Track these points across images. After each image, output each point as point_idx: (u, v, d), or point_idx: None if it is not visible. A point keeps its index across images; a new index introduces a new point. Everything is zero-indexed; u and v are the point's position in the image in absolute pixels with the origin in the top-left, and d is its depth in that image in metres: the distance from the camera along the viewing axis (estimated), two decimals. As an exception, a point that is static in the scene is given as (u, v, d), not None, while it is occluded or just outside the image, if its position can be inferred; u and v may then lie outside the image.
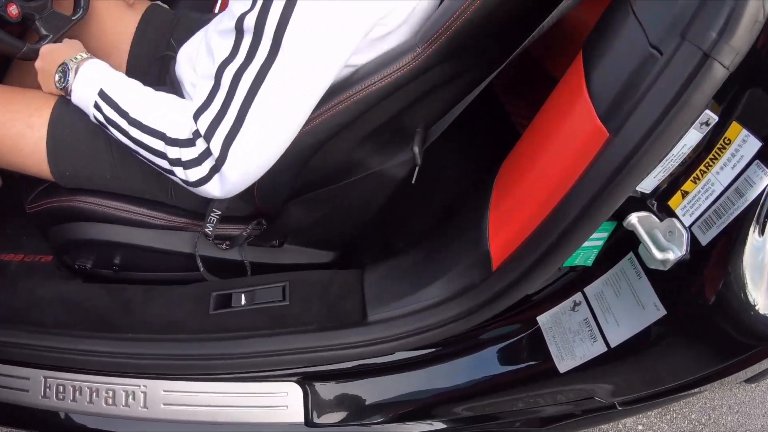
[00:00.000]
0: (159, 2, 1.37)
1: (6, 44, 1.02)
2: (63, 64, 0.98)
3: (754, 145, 0.60)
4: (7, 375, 1.00)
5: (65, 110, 1.03)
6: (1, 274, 1.30)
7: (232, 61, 0.76)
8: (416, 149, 0.82)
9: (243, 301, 0.93)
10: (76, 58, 0.97)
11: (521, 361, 0.88)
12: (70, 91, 0.96)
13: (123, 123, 0.89)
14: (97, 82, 0.94)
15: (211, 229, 0.95)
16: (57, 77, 0.98)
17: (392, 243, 1.21)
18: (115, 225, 1.05)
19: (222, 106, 0.78)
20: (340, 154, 0.88)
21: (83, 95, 0.95)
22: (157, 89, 0.97)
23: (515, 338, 0.87)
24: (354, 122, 0.82)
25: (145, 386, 0.94)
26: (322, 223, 1.03)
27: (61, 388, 0.97)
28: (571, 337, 0.79)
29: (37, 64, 1.03)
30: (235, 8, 0.76)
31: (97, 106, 0.92)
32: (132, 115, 0.89)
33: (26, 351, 0.98)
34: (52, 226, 1.13)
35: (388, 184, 0.96)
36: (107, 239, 1.06)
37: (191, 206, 1.00)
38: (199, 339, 0.90)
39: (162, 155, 0.86)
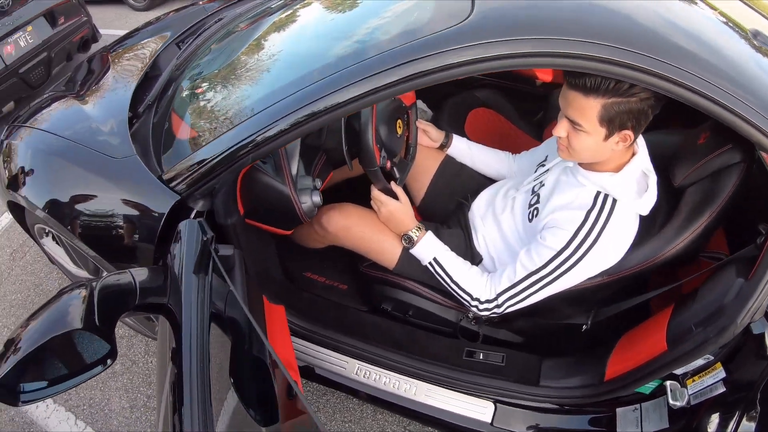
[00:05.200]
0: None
1: (385, 188, 1.89)
2: (407, 234, 1.91)
3: (720, 374, 1.63)
4: (335, 359, 2.12)
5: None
6: (312, 287, 2.41)
7: (538, 272, 1.64)
8: (589, 322, 1.94)
9: (481, 357, 2.06)
10: (416, 233, 1.90)
11: (603, 426, 1.86)
12: (412, 250, 1.93)
13: (447, 278, 1.86)
14: (432, 252, 1.88)
15: (471, 315, 2.10)
16: (404, 240, 1.93)
17: (558, 344, 2.14)
18: (419, 297, 2.15)
19: (518, 292, 1.71)
20: (550, 304, 1.84)
21: (421, 256, 1.91)
22: (452, 228, 2.08)
23: (604, 414, 1.87)
24: (561, 296, 1.79)
25: (416, 384, 2.06)
26: (528, 328, 2.14)
27: (368, 373, 2.10)
28: (627, 423, 1.82)
29: (384, 217, 1.92)
30: (553, 242, 1.62)
31: (431, 264, 1.88)
32: (454, 278, 1.84)
33: (348, 348, 2.10)
34: (377, 284, 2.22)
35: (568, 323, 2.05)
36: (410, 302, 2.17)
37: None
38: (454, 369, 2.03)
39: (465, 300, 1.84)
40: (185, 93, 2.10)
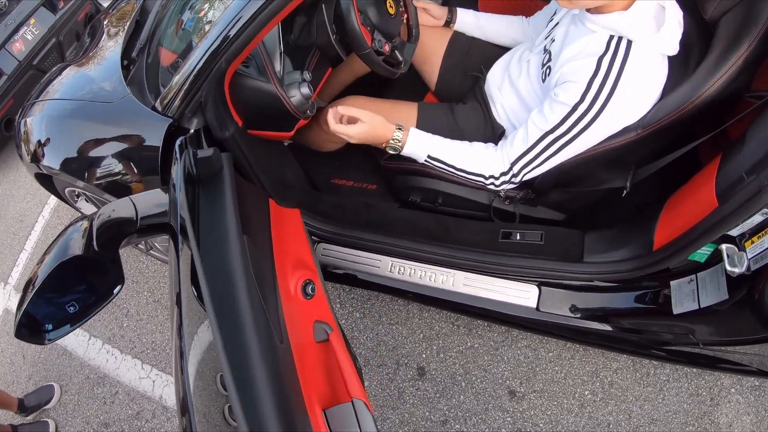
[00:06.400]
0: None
1: (386, 70, 1.85)
2: (389, 145, 1.75)
3: (788, 230, 1.46)
4: (367, 258, 2.06)
5: (425, 122, 1.96)
6: (337, 192, 2.34)
7: (554, 132, 1.50)
8: (628, 184, 1.75)
9: (518, 237, 1.93)
10: (398, 135, 1.73)
11: (656, 303, 1.73)
12: (403, 153, 1.77)
13: (450, 169, 1.74)
14: (423, 149, 1.74)
15: (503, 193, 1.93)
16: (389, 150, 1.77)
17: (599, 215, 2.04)
18: (443, 181, 2.00)
19: (533, 157, 1.58)
20: (583, 170, 1.72)
21: (416, 155, 1.76)
22: (468, 103, 1.93)
23: (656, 289, 1.74)
24: (592, 159, 1.60)
25: (453, 274, 1.98)
26: (564, 201, 1.99)
27: (402, 268, 2.03)
28: (683, 297, 1.66)
29: (357, 141, 1.74)
30: (566, 98, 1.45)
31: (426, 162, 1.76)
32: (458, 165, 1.71)
33: (381, 246, 2.02)
34: (399, 175, 2.11)
35: (606, 190, 1.86)
36: (437, 189, 2.04)
37: None
38: (490, 253, 1.91)
39: (478, 182, 1.73)
40: (168, 25, 2.12)
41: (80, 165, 2.02)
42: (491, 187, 1.75)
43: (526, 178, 1.69)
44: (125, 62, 2.08)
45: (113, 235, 1.34)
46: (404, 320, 2.47)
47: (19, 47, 4.43)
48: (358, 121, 1.71)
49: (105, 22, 2.56)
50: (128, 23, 2.34)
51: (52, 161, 2.11)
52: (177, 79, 1.67)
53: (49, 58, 4.68)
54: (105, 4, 5.17)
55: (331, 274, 2.14)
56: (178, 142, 1.50)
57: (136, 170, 1.89)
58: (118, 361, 2.95)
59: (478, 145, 1.76)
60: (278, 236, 1.48)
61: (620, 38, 1.43)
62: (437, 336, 2.42)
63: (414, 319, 2.46)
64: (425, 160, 1.77)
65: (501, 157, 1.69)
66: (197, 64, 1.60)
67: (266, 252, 1.37)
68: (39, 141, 2.16)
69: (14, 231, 3.96)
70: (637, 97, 1.49)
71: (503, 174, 1.69)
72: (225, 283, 1.14)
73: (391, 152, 1.79)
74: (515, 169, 1.66)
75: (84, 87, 2.12)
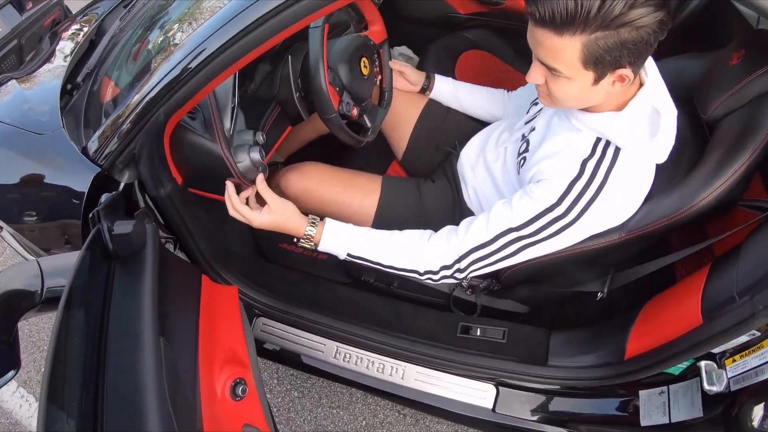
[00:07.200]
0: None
1: (352, 138, 1.70)
2: (301, 240, 1.54)
3: (768, 355, 1.38)
4: (310, 340, 1.89)
5: (388, 198, 1.83)
6: (288, 259, 2.14)
7: (519, 230, 1.34)
8: (605, 290, 1.64)
9: (478, 333, 1.79)
10: (311, 231, 1.52)
11: (624, 411, 1.63)
12: (320, 248, 1.54)
13: (376, 267, 1.52)
14: (342, 248, 1.52)
15: (466, 283, 1.82)
16: (304, 245, 1.55)
17: (567, 312, 1.97)
18: None
19: (489, 254, 1.40)
20: (557, 269, 1.64)
21: (335, 252, 1.54)
22: (437, 182, 1.81)
23: (625, 398, 1.65)
24: (569, 258, 1.53)
25: (404, 367, 1.82)
26: (532, 297, 1.87)
27: (348, 356, 1.86)
28: (653, 409, 1.56)
29: (267, 228, 1.53)
30: (541, 197, 1.31)
31: (348, 260, 1.54)
32: (385, 263, 1.51)
33: (326, 329, 1.85)
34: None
35: (578, 291, 1.75)
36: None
37: None
38: (446, 348, 1.76)
39: (413, 278, 1.51)
40: (120, 52, 1.89)
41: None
42: (428, 282, 1.54)
43: (473, 275, 1.50)
44: (69, 86, 1.84)
45: (7, 312, 1.14)
46: (346, 404, 2.30)
47: (-23, 45, 4.12)
48: (265, 207, 1.51)
49: (65, 34, 2.36)
50: (82, 41, 2.12)
51: None
52: (108, 123, 1.47)
53: (8, 60, 4.40)
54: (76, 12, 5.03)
55: (267, 351, 1.96)
56: (90, 215, 1.29)
57: (34, 215, 1.68)
58: (32, 408, 2.66)
59: (411, 236, 1.53)
60: (208, 324, 1.31)
61: (608, 142, 1.31)
62: (381, 425, 2.26)
63: (357, 404, 2.30)
64: (345, 258, 1.56)
65: (446, 248, 1.48)
66: (134, 108, 1.40)
67: (189, 350, 1.19)
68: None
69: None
70: (619, 205, 1.37)
71: (445, 268, 1.48)
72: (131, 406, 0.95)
73: (305, 246, 1.57)
74: (463, 263, 1.46)
75: (20, 108, 1.85)
